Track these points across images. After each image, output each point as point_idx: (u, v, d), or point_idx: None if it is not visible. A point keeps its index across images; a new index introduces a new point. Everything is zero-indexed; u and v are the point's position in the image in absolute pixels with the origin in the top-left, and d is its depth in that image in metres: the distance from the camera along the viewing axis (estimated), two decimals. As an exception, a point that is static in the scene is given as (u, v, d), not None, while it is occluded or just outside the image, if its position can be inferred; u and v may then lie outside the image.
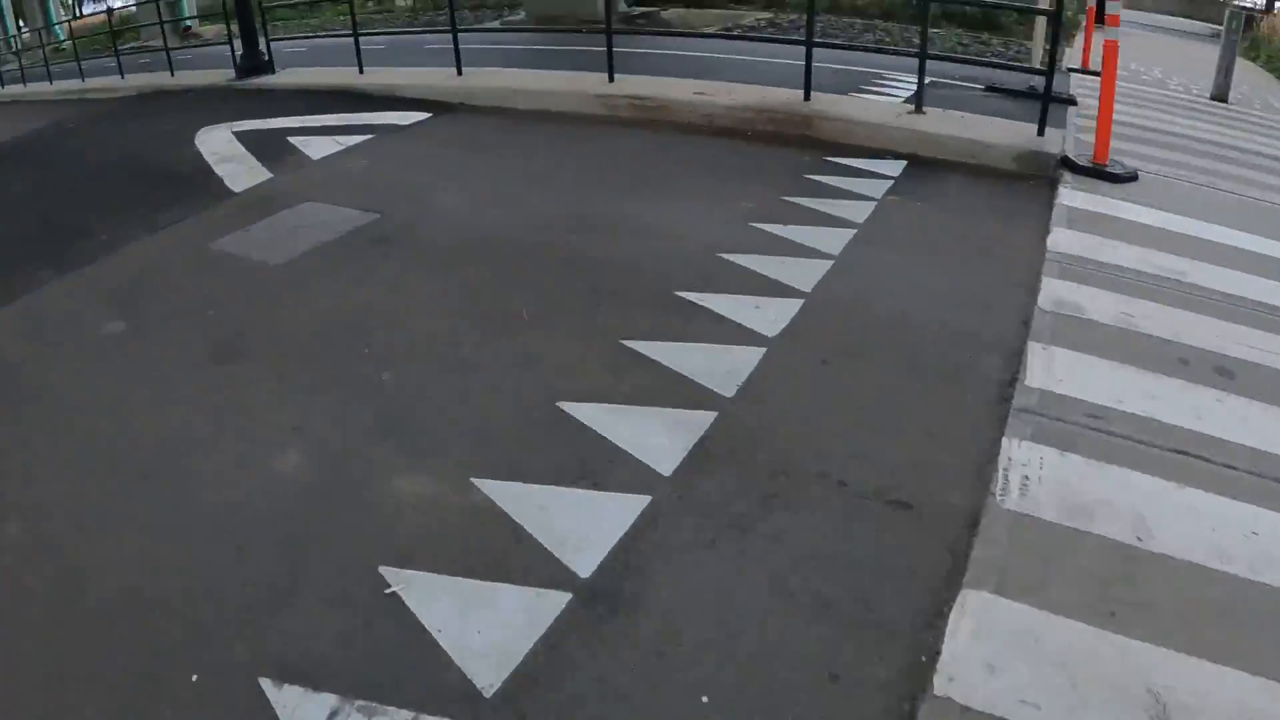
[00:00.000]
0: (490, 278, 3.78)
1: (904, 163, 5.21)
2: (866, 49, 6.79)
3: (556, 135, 6.01)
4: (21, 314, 4.09)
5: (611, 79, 6.70)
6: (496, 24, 15.81)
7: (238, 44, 9.50)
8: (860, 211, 4.43)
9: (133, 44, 20.02)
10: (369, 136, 6.28)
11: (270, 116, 7.30)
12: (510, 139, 6.02)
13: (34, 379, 3.33)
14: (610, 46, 6.61)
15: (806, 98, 6.01)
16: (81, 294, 4.19)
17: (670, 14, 16.45)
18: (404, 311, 3.54)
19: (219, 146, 6.55)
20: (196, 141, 6.80)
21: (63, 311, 4.03)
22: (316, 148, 6.14)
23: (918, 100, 5.91)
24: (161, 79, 11.04)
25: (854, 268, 3.79)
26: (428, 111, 6.85)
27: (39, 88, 14.61)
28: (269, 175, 5.66)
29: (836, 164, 5.17)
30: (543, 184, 4.96)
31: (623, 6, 16.86)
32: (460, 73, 7.59)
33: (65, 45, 20.77)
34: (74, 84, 13.38)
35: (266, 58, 9.38)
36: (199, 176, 5.89)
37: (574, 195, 4.75)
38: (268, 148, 6.31)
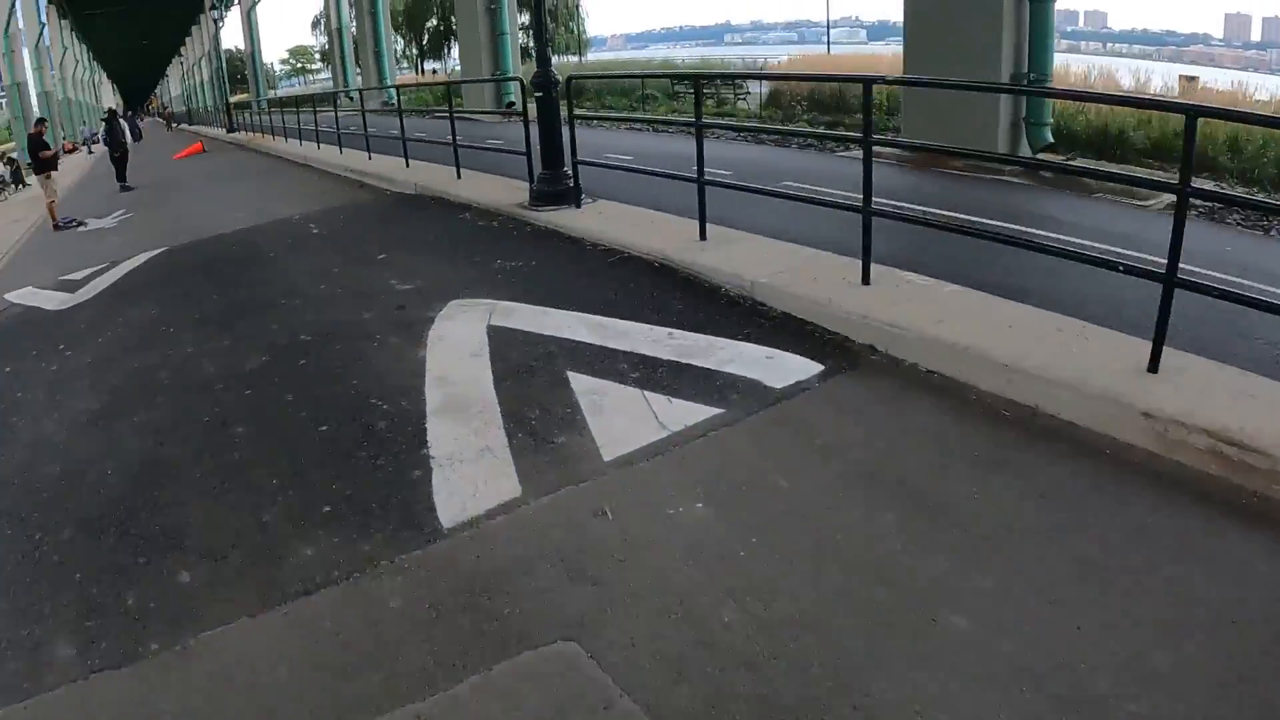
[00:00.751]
0: None
1: None
2: None
3: (1077, 500, 2.92)
4: None
5: (1156, 364, 3.55)
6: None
7: (535, 128, 7.54)
8: None
9: (457, 111, 20.03)
10: (712, 412, 3.62)
11: (553, 304, 4.97)
12: (988, 493, 3.01)
13: None
14: (1166, 308, 3.47)
15: None
16: None
17: (1080, 164, 13.11)
18: None
19: (455, 362, 4.25)
20: (429, 338, 4.60)
21: None
22: (615, 419, 3.59)
23: None
24: (444, 179, 9.59)
25: None
26: (813, 356, 4.12)
27: (327, 154, 14.26)
28: (513, 491, 3.14)
29: None
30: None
31: (1025, 149, 13.78)
32: (867, 277, 4.83)
33: (393, 102, 21.40)
34: (359, 159, 12.69)
35: (571, 182, 7.33)
36: (397, 441, 3.55)
37: None
38: (531, 391, 3.88)
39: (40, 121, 12.38)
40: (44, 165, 11.96)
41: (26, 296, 7.39)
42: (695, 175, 5.75)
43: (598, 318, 4.70)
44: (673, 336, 4.43)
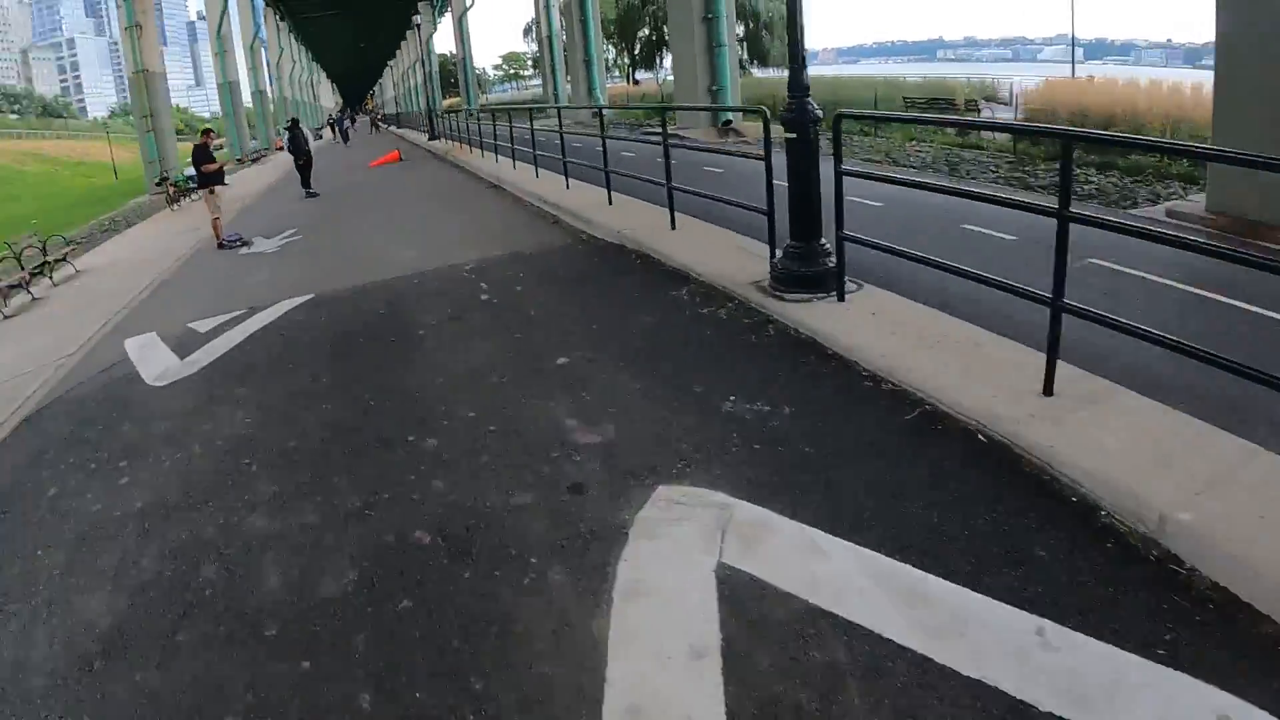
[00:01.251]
0: None
1: None
2: None
3: None
4: None
5: None
6: (1161, 213, 10.65)
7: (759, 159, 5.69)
8: None
9: (670, 131, 18.76)
10: None
11: (825, 515, 3.11)
12: None
13: None
14: None
15: None
16: None
17: None
18: None
19: (658, 670, 2.48)
20: (616, 586, 2.84)
21: None
22: None
23: None
24: (654, 227, 7.99)
25: None
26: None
27: (521, 177, 13.13)
28: None
29: None
30: None
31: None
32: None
33: (605, 111, 20.32)
34: (555, 186, 11.43)
35: (832, 260, 5.43)
36: None
37: None
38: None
39: (207, 132, 11.76)
40: (208, 179, 11.34)
41: (140, 351, 6.48)
42: (1050, 294, 3.70)
43: (907, 570, 2.77)
44: (1044, 638, 2.45)
